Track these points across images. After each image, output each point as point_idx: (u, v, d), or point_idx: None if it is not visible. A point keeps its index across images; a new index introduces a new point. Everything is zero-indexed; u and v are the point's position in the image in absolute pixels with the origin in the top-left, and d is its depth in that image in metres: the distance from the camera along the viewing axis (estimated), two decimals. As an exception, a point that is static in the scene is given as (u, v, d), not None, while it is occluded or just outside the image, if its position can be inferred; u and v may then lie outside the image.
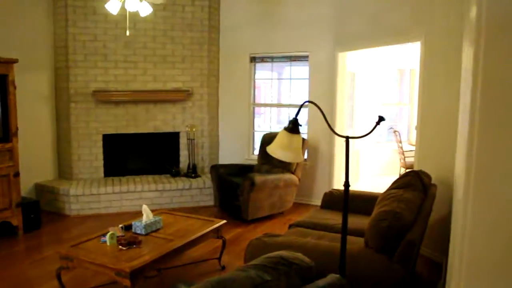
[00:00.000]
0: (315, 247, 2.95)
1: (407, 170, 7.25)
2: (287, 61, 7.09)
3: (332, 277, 1.73)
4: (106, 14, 6.15)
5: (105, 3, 4.36)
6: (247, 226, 5.68)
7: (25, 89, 5.92)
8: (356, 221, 3.76)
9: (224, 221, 4.43)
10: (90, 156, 6.67)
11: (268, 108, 8.15)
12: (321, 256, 2.73)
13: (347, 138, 2.31)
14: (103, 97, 6.53)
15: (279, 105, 7.96)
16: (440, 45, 4.49)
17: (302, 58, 6.83)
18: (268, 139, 6.49)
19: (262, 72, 7.72)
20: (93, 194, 6.19)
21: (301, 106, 2.46)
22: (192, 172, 6.88)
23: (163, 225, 4.16)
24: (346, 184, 2.35)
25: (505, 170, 1.35)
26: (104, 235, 3.77)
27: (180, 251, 3.78)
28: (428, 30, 4.65)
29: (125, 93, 6.62)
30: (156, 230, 4.03)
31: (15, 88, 5.23)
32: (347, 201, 2.34)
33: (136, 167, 6.99)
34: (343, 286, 1.71)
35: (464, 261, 1.46)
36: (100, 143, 6.69)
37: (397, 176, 7.26)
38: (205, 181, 6.67)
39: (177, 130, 7.01)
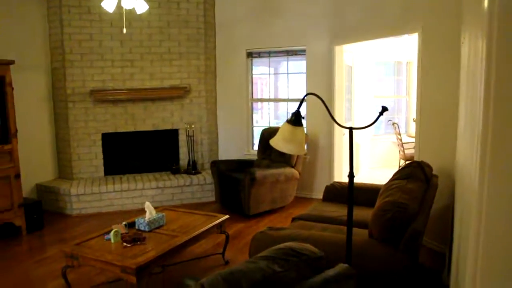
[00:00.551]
0: (321, 239, 2.96)
1: (408, 162, 7.30)
2: (284, 55, 7.09)
3: (341, 266, 1.74)
4: (101, 13, 6.16)
5: (100, 2, 4.34)
6: (249, 221, 5.70)
7: (22, 91, 5.93)
8: (359, 213, 3.77)
9: (227, 216, 4.44)
10: (90, 155, 6.67)
11: (266, 104, 8.14)
12: (327, 247, 2.74)
13: (351, 129, 2.32)
14: (100, 96, 6.52)
15: (277, 100, 7.96)
16: (437, 37, 4.50)
17: (299, 52, 6.83)
18: (267, 134, 6.50)
19: (259, 68, 7.72)
20: (94, 193, 6.19)
21: (303, 98, 2.47)
22: (192, 168, 6.89)
23: (166, 221, 4.17)
24: (351, 174, 2.36)
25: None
26: (108, 233, 3.78)
27: (184, 246, 3.79)
28: (425, 22, 4.65)
29: (123, 91, 6.61)
30: (160, 227, 4.04)
31: (12, 89, 5.22)
32: (352, 191, 2.35)
33: (136, 165, 6.99)
34: (352, 275, 1.72)
35: (480, 254, 1.46)
36: (100, 142, 6.70)
37: (397, 169, 7.32)
38: (206, 177, 6.68)
39: (176, 128, 7.01)
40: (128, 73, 6.66)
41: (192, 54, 6.93)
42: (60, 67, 6.45)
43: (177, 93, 6.86)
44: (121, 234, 3.70)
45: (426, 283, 3.79)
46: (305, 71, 6.74)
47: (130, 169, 6.95)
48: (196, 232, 3.94)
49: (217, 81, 7.34)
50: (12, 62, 5.22)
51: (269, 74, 7.67)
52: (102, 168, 6.76)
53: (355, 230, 2.81)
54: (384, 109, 2.26)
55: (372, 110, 8.76)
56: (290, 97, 7.33)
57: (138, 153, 7.01)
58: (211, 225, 4.16)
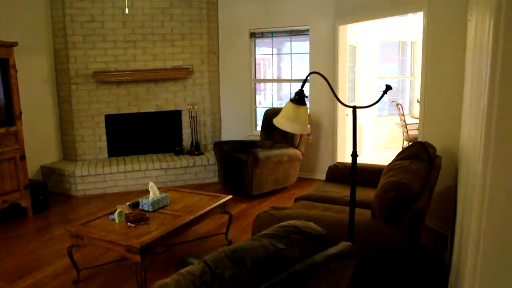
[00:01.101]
0: (323, 218, 2.98)
1: (412, 143, 7.29)
2: (287, 35, 7.03)
3: (344, 244, 1.75)
4: (103, -7, 6.12)
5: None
6: (252, 201, 5.73)
7: (26, 73, 5.93)
8: (362, 193, 3.79)
9: (230, 196, 4.46)
10: (93, 137, 6.69)
11: (269, 85, 8.12)
12: (329, 227, 2.76)
13: (354, 108, 2.32)
14: (103, 78, 6.51)
15: (280, 81, 7.94)
16: (443, 15, 4.45)
17: (303, 33, 6.78)
18: (270, 114, 6.49)
19: (262, 49, 7.68)
20: (98, 174, 6.23)
21: (306, 77, 2.46)
22: (196, 149, 6.91)
23: (170, 201, 4.20)
24: (354, 154, 2.36)
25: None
26: (112, 213, 3.81)
27: (187, 226, 3.82)
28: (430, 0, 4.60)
29: (126, 73, 6.60)
30: (163, 207, 4.07)
31: (16, 71, 5.22)
32: (355, 170, 2.36)
33: (139, 147, 7.01)
34: (355, 253, 1.74)
35: (482, 237, 1.46)
36: (103, 124, 6.71)
37: (400, 150, 7.33)
38: (209, 158, 6.70)
39: (178, 109, 7.01)
40: (131, 54, 6.64)
41: (195, 35, 6.89)
42: (62, 49, 6.43)
43: (180, 74, 6.84)
44: (125, 214, 3.73)
45: (428, 263, 3.82)
46: (308, 51, 6.70)
47: (133, 150, 6.97)
48: (200, 212, 3.96)
49: (220, 61, 7.31)
50: (15, 44, 5.20)
51: (272, 54, 7.62)
52: (105, 150, 6.78)
53: (357, 210, 2.83)
54: (388, 87, 2.25)
55: (376, 91, 8.72)
56: (293, 78, 7.29)
57: (142, 134, 7.03)
58: (214, 205, 4.18)
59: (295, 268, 1.53)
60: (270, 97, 8.25)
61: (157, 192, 4.10)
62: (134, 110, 6.79)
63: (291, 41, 7.14)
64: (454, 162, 3.99)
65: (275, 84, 8.00)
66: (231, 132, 7.39)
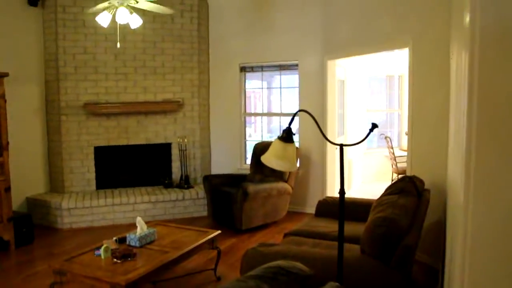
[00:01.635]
0: (312, 255, 2.95)
1: (400, 176, 7.29)
2: (277, 70, 7.12)
3: (331, 285, 1.72)
4: (96, 27, 6.15)
5: (95, 16, 4.36)
6: (241, 236, 5.67)
7: (16, 103, 5.92)
8: (351, 228, 3.77)
9: (219, 232, 4.42)
10: (82, 168, 6.64)
11: (259, 117, 8.16)
12: (318, 264, 2.74)
13: (341, 146, 2.32)
14: (94, 110, 6.51)
15: (270, 114, 7.98)
16: (427, 51, 4.55)
17: (292, 67, 6.87)
18: (260, 148, 6.50)
19: (253, 82, 7.75)
20: (86, 207, 6.15)
21: (295, 115, 2.47)
22: (185, 183, 6.86)
23: (158, 237, 4.14)
24: (342, 192, 2.35)
25: (504, 172, 1.36)
26: (98, 248, 3.74)
27: (175, 262, 3.76)
28: (415, 37, 4.70)
29: (116, 105, 6.61)
30: (151, 242, 4.01)
31: (5, 101, 5.20)
32: (343, 209, 2.35)
33: (128, 179, 6.95)
34: (342, 294, 1.71)
35: (466, 269, 1.46)
36: (92, 156, 6.67)
37: (390, 183, 7.31)
38: (198, 191, 6.65)
39: (168, 141, 7.00)
40: (122, 87, 6.66)
41: (185, 68, 6.95)
42: (54, 80, 6.44)
43: (170, 107, 6.86)
44: (112, 249, 3.67)
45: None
46: (297, 85, 6.77)
47: (122, 183, 6.91)
48: (188, 248, 3.91)
49: (211, 95, 7.36)
50: (6, 75, 5.20)
51: (262, 88, 7.69)
52: (94, 182, 6.72)
53: (347, 245, 2.80)
54: (374, 126, 2.27)
55: (365, 124, 8.79)
56: (283, 111, 7.34)
57: (131, 167, 6.99)
58: (202, 240, 4.13)
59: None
60: (260, 129, 8.28)
61: (145, 227, 4.05)
62: (123, 142, 6.77)
63: (280, 74, 7.22)
64: (442, 195, 4.00)
65: (265, 116, 8.04)
66: (221, 165, 7.37)
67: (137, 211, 6.28)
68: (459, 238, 1.55)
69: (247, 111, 7.59)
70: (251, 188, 5.69)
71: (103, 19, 4.16)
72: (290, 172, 6.18)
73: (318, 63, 6.50)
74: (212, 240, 4.28)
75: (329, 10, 6.30)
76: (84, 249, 3.88)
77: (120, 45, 6.06)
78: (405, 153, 6.01)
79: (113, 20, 4.24)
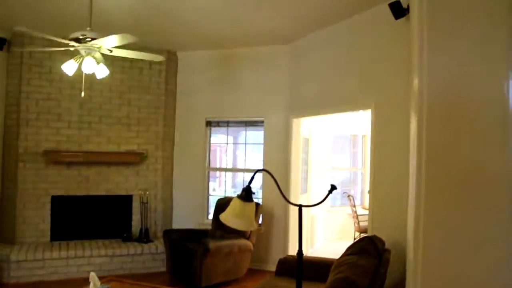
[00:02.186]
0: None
1: (361, 235, 7.31)
2: (242, 125, 7.18)
3: None
4: (62, 74, 6.05)
5: (62, 63, 4.33)
6: (200, 293, 5.48)
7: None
8: (311, 288, 3.70)
9: (176, 289, 4.26)
10: (36, 218, 6.37)
11: (223, 172, 8.13)
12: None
13: (300, 207, 2.31)
14: (54, 158, 6.35)
15: (234, 170, 7.96)
16: (389, 113, 4.70)
17: (258, 123, 6.95)
18: (222, 204, 6.43)
19: (218, 136, 7.77)
20: (37, 259, 5.84)
21: (254, 174, 2.47)
22: (144, 236, 6.67)
23: (111, 293, 3.96)
24: (299, 253, 2.32)
25: (450, 232, 1.40)
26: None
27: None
28: (377, 99, 4.86)
29: (78, 154, 6.47)
30: (103, 299, 3.82)
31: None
32: (300, 271, 2.30)
33: (86, 231, 6.70)
34: None
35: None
36: (49, 205, 6.43)
37: (352, 241, 7.31)
38: (158, 246, 6.47)
39: (130, 193, 6.85)
40: (85, 135, 6.56)
41: (151, 120, 6.93)
42: (14, 125, 6.30)
43: (134, 159, 6.77)
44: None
45: None
46: (263, 141, 6.83)
47: (79, 234, 6.65)
48: (142, 305, 3.74)
49: (175, 148, 7.32)
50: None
51: (227, 143, 7.71)
52: (48, 233, 6.44)
53: (306, 307, 2.73)
54: (333, 187, 2.28)
55: (328, 182, 8.87)
56: (248, 167, 7.34)
57: (89, 218, 6.75)
58: (158, 297, 3.97)
59: None
60: (224, 184, 8.23)
61: (98, 283, 3.87)
62: (83, 192, 6.59)
63: (246, 130, 7.28)
64: (402, 255, 3.99)
65: (229, 172, 8.01)
66: (182, 219, 7.22)
67: (92, 265, 6.03)
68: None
69: (212, 165, 7.56)
70: (212, 244, 5.57)
71: (68, 68, 4.13)
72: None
73: (283, 120, 6.60)
74: (168, 298, 4.11)
75: (296, 70, 6.48)
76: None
77: (86, 93, 6.03)
78: (367, 212, 6.07)
79: (80, 68, 4.22)
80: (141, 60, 6.69)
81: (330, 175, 9.09)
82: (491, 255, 1.57)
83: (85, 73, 4.37)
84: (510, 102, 1.63)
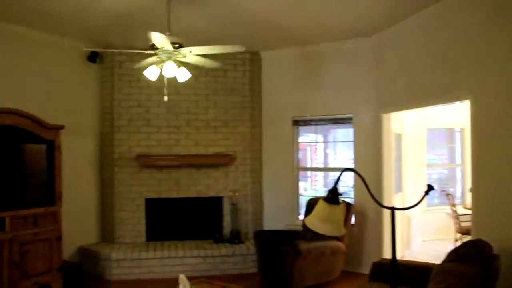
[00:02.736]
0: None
1: (463, 237, 6.81)
2: (330, 123, 6.95)
3: None
4: (149, 81, 6.20)
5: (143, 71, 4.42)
6: (291, 296, 5.36)
7: (73, 154, 6.10)
8: (409, 296, 3.43)
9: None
10: (133, 220, 6.65)
11: (314, 171, 7.96)
12: None
13: (393, 210, 2.10)
14: (146, 162, 6.57)
15: (322, 169, 7.76)
16: (492, 103, 4.25)
17: (346, 120, 6.69)
18: (313, 204, 6.25)
19: (309, 135, 7.61)
20: (134, 259, 6.09)
21: (340, 174, 2.29)
22: (236, 238, 6.68)
23: (201, 296, 3.96)
24: (393, 262, 2.10)
25: None
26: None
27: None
28: (477, 89, 4.42)
29: (168, 157, 6.65)
30: (194, 302, 3.82)
31: (60, 153, 5.34)
32: (395, 280, 2.09)
33: (178, 232, 6.87)
34: None
35: None
36: (143, 207, 6.68)
37: (453, 242, 6.86)
38: (249, 247, 6.45)
39: (220, 195, 6.91)
40: (174, 139, 6.72)
41: (238, 121, 6.93)
42: (108, 132, 6.62)
43: (222, 161, 6.82)
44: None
45: None
46: (352, 139, 6.57)
47: (172, 235, 6.83)
48: (231, 310, 3.69)
49: (263, 148, 7.26)
50: (61, 127, 5.37)
51: (316, 142, 7.53)
52: (144, 234, 6.69)
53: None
54: (430, 188, 2.04)
55: (424, 179, 8.39)
56: (339, 166, 7.11)
57: (181, 219, 6.92)
58: (247, 302, 3.90)
59: None
60: (315, 184, 8.06)
61: (188, 285, 3.88)
62: (174, 194, 6.75)
63: (335, 128, 7.04)
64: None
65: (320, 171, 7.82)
66: (273, 220, 7.14)
67: (186, 265, 6.15)
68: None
69: (303, 164, 7.41)
70: (303, 246, 5.43)
71: (151, 73, 4.20)
72: (344, 227, 5.87)
73: (372, 116, 6.30)
74: (258, 302, 4.04)
75: (382, 62, 6.15)
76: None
77: (172, 98, 6.17)
78: (470, 212, 5.60)
79: (162, 73, 4.26)
80: (224, 62, 6.71)
81: (425, 172, 8.58)
82: None
83: (167, 78, 4.41)
84: None
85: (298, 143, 7.19)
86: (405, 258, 7.05)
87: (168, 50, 3.93)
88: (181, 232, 6.87)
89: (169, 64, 3.97)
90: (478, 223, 4.49)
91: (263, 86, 7.24)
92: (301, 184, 7.38)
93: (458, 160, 9.23)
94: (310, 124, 7.09)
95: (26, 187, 5.08)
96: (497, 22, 4.17)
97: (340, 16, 5.53)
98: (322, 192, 7.68)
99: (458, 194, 8.99)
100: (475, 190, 4.55)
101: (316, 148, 7.70)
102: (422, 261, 4.61)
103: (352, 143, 6.58)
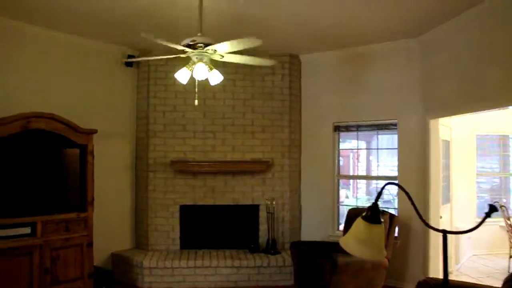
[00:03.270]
0: None
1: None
2: (373, 129, 6.58)
3: None
4: (186, 86, 6.10)
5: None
6: (329, 313, 5.05)
7: (106, 158, 6.04)
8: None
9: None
10: (167, 227, 6.49)
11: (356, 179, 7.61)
12: None
13: (444, 233, 1.79)
14: (181, 167, 6.41)
15: (365, 177, 7.39)
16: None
17: (390, 126, 6.31)
18: (354, 215, 5.92)
19: (350, 141, 7.28)
20: (167, 267, 5.92)
21: (382, 189, 1.99)
22: (271, 248, 6.41)
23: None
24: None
25: None
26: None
27: None
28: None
29: (204, 163, 6.46)
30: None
31: (93, 157, 5.26)
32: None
33: (213, 240, 6.66)
34: None
35: None
36: (177, 214, 6.51)
37: (507, 258, 6.39)
38: (285, 258, 6.17)
39: (256, 203, 6.66)
40: (210, 145, 6.53)
41: (276, 127, 6.67)
42: (144, 137, 6.51)
43: (259, 167, 6.57)
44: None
45: None
46: (396, 146, 6.19)
47: (206, 244, 6.63)
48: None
49: (302, 155, 6.97)
50: (95, 132, 5.29)
51: (358, 148, 7.18)
52: (178, 241, 6.52)
53: None
54: (493, 209, 1.72)
55: (474, 189, 7.90)
56: (382, 174, 6.74)
57: (216, 227, 6.71)
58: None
59: None
60: (359, 190, 7.71)
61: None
62: (210, 202, 6.56)
63: (377, 134, 6.68)
64: None
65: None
66: (311, 230, 6.84)
67: (219, 275, 5.95)
68: None
69: (345, 172, 7.07)
70: (341, 259, 5.10)
71: (181, 76, 4.00)
72: (386, 242, 5.51)
73: (419, 122, 5.90)
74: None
75: (429, 64, 5.75)
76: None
77: (208, 103, 6.02)
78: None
79: (193, 76, 4.05)
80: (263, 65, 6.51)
81: (475, 181, 8.07)
82: None
83: (198, 81, 4.21)
84: None
85: (339, 149, 6.86)
86: (454, 274, 6.63)
87: (199, 51, 3.71)
88: (216, 241, 6.66)
89: (199, 66, 3.75)
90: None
91: (302, 90, 6.95)
92: (343, 192, 7.04)
93: (510, 169, 8.66)
94: (351, 130, 6.74)
95: (59, 191, 5.03)
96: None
97: (383, 17, 5.19)
98: (364, 200, 7.31)
99: (511, 205, 8.41)
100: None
101: (358, 155, 7.35)
102: (474, 281, 4.21)
103: (396, 150, 6.19)
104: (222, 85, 5.33)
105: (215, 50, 3.76)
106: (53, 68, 5.68)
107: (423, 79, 5.85)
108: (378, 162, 6.79)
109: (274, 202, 6.54)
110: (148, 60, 6.23)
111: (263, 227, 6.67)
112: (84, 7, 4.77)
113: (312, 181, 6.90)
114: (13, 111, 4.70)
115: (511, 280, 2.90)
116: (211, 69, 3.92)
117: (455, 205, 7.09)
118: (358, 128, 6.66)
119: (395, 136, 6.26)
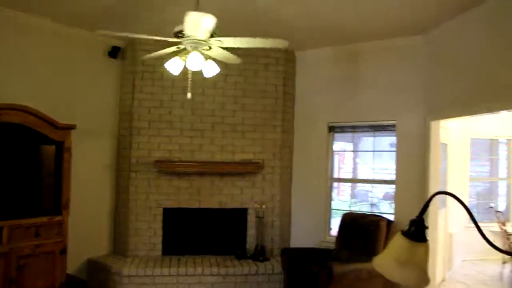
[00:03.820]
0: None
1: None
2: (370, 131, 6.27)
3: None
4: (174, 79, 5.71)
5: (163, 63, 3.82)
6: (324, 326, 4.73)
7: (84, 156, 5.64)
8: None
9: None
10: (148, 231, 6.07)
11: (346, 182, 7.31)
12: None
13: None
14: (166, 168, 5.99)
15: (358, 181, 7.10)
16: None
17: (388, 128, 6.01)
18: (349, 221, 5.62)
19: (344, 143, 6.97)
20: (148, 275, 5.49)
21: (429, 200, 1.64)
22: (260, 254, 6.04)
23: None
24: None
25: None
26: None
27: None
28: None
29: (190, 164, 6.06)
30: None
31: (70, 155, 4.82)
32: None
33: (197, 246, 6.25)
34: None
35: None
36: (160, 217, 6.09)
37: (499, 264, 6.23)
38: (274, 265, 5.81)
39: (244, 207, 6.27)
40: (197, 144, 6.13)
41: (268, 127, 6.30)
42: (126, 134, 6.08)
43: (249, 169, 6.19)
44: None
45: None
46: (392, 148, 5.89)
47: (191, 249, 6.21)
48: None
49: (294, 156, 6.61)
50: (73, 127, 4.85)
51: (353, 151, 6.88)
52: (160, 247, 6.10)
53: None
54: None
55: (467, 194, 7.73)
56: (377, 178, 6.45)
57: (201, 232, 6.29)
58: None
59: None
60: (343, 193, 7.43)
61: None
62: (195, 205, 6.14)
63: (374, 136, 6.37)
64: None
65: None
66: (302, 236, 6.49)
67: (203, 284, 5.57)
68: None
69: (338, 175, 6.76)
70: (337, 268, 4.78)
71: (173, 66, 3.59)
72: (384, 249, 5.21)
73: (419, 123, 5.59)
74: None
75: (432, 63, 5.45)
76: None
77: (197, 99, 5.63)
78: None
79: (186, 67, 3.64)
80: (256, 61, 6.15)
81: (468, 185, 7.89)
82: None
83: (191, 73, 3.80)
84: None
85: (333, 151, 6.53)
86: (447, 281, 6.43)
87: (195, 38, 3.28)
88: (201, 246, 6.25)
89: (194, 54, 3.34)
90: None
91: (297, 88, 6.59)
92: (338, 196, 6.75)
93: (503, 174, 8.49)
94: (347, 131, 6.42)
95: (31, 193, 4.58)
96: None
97: (386, 11, 4.87)
98: (350, 203, 7.01)
99: (501, 209, 8.27)
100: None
101: (352, 158, 7.05)
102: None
103: (394, 152, 5.89)
104: (212, 80, 4.93)
105: (220, 41, 3.37)
106: (28, 55, 5.22)
107: (427, 78, 5.54)
108: (373, 164, 6.50)
109: (264, 206, 6.17)
110: (135, 52, 5.80)
111: (251, 232, 6.30)
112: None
113: (304, 184, 6.56)
114: (-20, 102, 4.26)
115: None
116: (206, 59, 3.52)
117: (450, 209, 6.87)
118: (354, 129, 6.36)
119: (392, 138, 5.96)
